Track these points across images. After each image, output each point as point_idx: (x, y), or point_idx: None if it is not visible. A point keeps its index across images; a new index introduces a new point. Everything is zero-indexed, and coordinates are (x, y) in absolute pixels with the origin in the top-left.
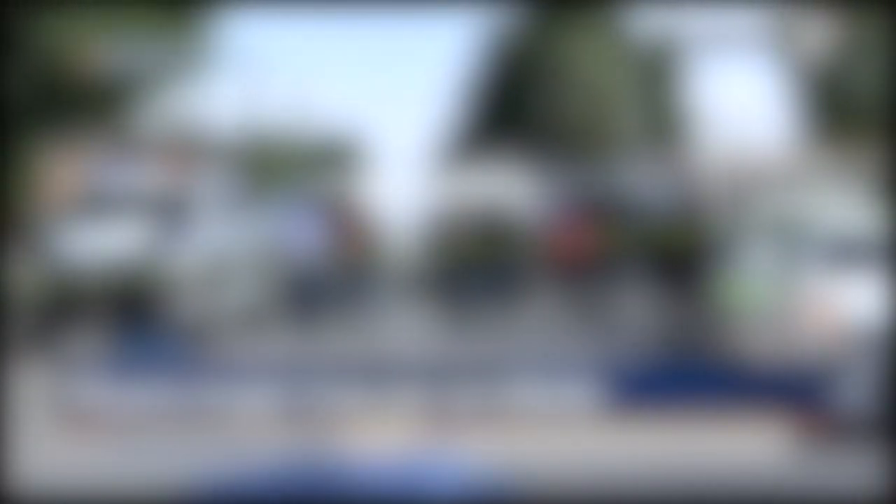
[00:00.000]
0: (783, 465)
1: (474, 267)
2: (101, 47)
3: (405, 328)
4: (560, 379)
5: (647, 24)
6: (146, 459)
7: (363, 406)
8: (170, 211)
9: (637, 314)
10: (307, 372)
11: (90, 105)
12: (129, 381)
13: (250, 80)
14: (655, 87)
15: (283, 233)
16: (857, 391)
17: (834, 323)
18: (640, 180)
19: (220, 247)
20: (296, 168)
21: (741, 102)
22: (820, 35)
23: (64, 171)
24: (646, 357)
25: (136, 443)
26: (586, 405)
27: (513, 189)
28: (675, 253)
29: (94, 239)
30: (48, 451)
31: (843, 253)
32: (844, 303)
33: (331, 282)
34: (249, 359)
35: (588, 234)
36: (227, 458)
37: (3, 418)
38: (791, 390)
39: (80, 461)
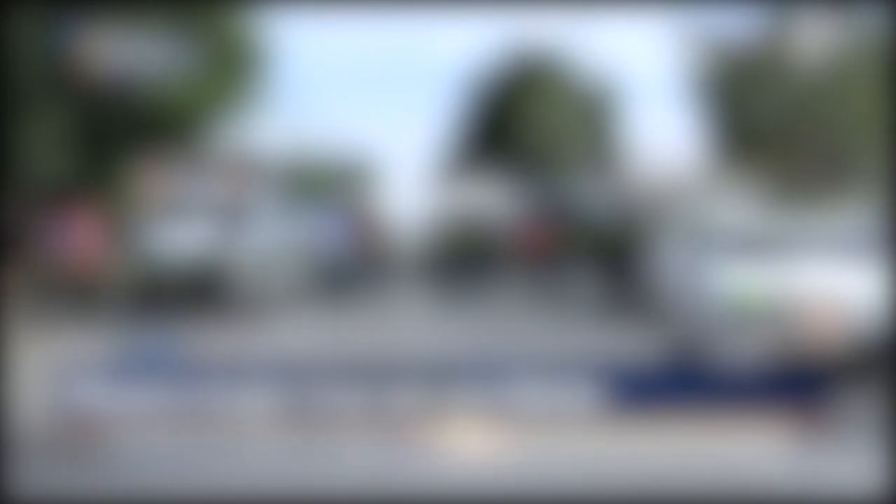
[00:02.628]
0: (783, 465)
1: (462, 260)
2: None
3: (411, 311)
4: (559, 379)
5: (592, 71)
6: (146, 460)
7: (366, 403)
8: (231, 216)
9: (584, 295)
10: (309, 371)
11: (172, 132)
12: (129, 382)
13: (291, 117)
14: (598, 122)
15: (317, 234)
16: (855, 390)
17: (830, 322)
18: (588, 193)
19: (269, 245)
20: (326, 183)
21: (663, 132)
22: (720, 70)
23: (152, 183)
24: (645, 358)
25: (135, 444)
26: (585, 405)
27: (491, 200)
28: (613, 249)
29: (174, 237)
30: (47, 449)
31: (744, 246)
32: (840, 302)
33: (353, 272)
34: (250, 358)
35: (548, 235)
36: (229, 460)
37: (3, 417)
38: (790, 390)
39: (79, 462)
